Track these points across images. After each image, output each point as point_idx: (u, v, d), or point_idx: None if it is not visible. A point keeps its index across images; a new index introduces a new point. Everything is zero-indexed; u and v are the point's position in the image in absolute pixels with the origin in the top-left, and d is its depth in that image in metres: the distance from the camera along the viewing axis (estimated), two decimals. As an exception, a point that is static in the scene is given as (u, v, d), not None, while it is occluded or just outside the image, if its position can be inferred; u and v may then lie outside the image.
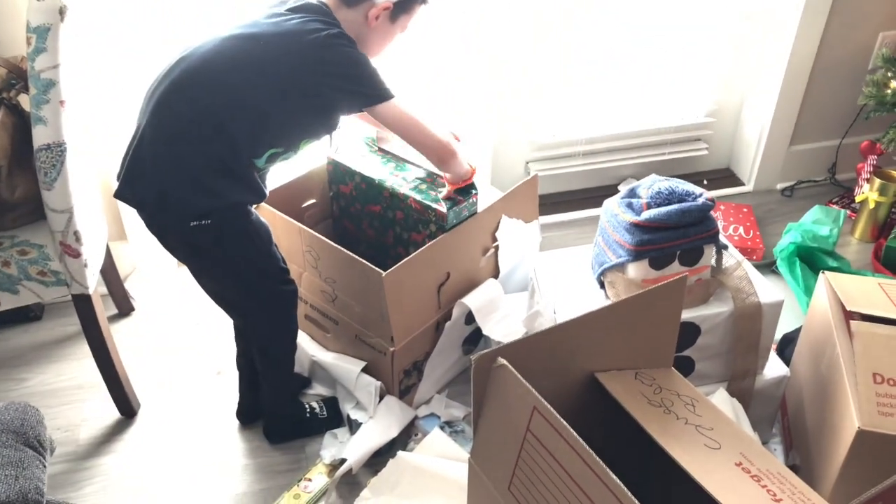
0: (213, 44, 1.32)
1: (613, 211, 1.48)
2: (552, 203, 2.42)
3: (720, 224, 2.25)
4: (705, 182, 2.53)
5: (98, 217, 1.67)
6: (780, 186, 2.52)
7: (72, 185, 1.41)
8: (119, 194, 1.33)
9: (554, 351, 1.16)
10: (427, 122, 1.44)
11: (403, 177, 1.70)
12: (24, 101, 1.46)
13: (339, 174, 1.81)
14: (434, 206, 1.60)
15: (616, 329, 1.20)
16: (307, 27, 1.34)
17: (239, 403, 1.71)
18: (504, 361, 1.05)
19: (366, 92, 1.37)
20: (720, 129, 2.51)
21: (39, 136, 1.35)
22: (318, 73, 1.33)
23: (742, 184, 2.55)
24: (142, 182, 1.31)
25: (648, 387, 1.22)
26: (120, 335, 1.94)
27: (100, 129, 1.84)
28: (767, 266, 2.11)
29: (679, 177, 2.47)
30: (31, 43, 1.26)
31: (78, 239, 1.47)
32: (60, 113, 1.34)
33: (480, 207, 1.68)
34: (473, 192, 1.62)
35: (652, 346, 1.26)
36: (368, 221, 1.79)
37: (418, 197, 1.63)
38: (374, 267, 1.50)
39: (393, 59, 1.87)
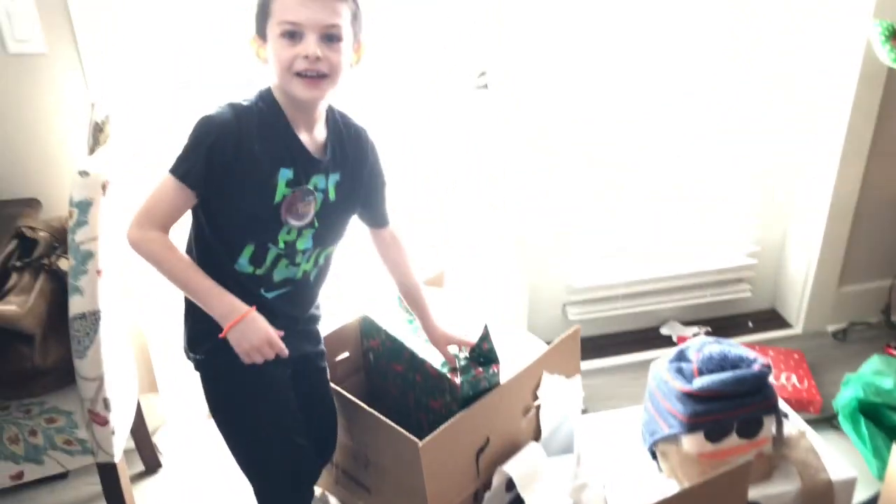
0: None
1: (663, 377, 1.40)
2: (593, 347, 2.34)
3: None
4: (751, 324, 2.44)
5: (129, 377, 1.64)
6: (831, 329, 2.42)
7: (104, 352, 1.39)
8: None
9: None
10: (150, 212, 1.22)
11: (427, 338, 1.65)
12: (65, 263, 1.47)
13: (368, 328, 1.77)
14: (448, 375, 1.53)
15: (675, 522, 1.11)
16: None
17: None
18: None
19: None
20: (763, 269, 2.44)
21: (75, 305, 1.34)
22: None
23: (790, 326, 2.45)
24: None
25: (713, 586, 1.11)
26: (145, 495, 1.86)
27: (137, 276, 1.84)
28: (827, 420, 1.98)
29: (723, 318, 2.46)
30: (73, 217, 1.28)
31: (107, 406, 1.43)
32: (97, 282, 1.34)
33: (520, 356, 1.60)
34: (494, 363, 1.53)
35: (714, 537, 1.16)
36: (392, 380, 1.73)
37: (434, 363, 1.57)
38: (409, 435, 1.42)
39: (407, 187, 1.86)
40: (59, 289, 1.48)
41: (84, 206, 1.27)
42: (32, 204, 1.68)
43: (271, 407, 1.34)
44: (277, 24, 1.19)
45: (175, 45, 1.72)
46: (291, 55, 1.18)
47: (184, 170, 1.20)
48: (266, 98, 1.25)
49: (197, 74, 1.74)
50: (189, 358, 1.34)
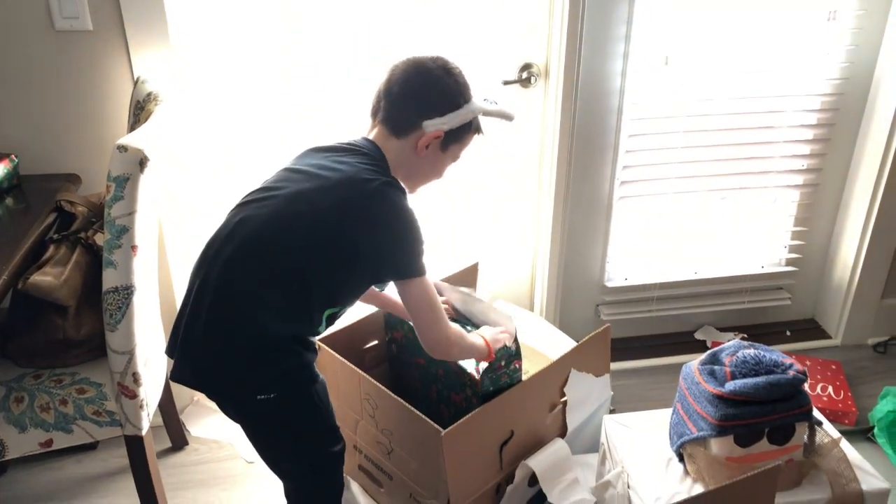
0: (272, 204, 1.27)
1: (694, 378, 1.37)
2: (623, 348, 2.31)
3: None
4: (788, 333, 2.39)
5: (160, 353, 1.66)
6: (871, 342, 2.35)
7: (136, 326, 1.41)
8: (175, 377, 1.28)
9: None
10: (441, 312, 1.36)
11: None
12: (101, 238, 1.49)
13: (391, 319, 1.76)
14: (469, 370, 1.52)
15: (699, 524, 1.08)
16: (362, 176, 1.29)
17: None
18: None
19: (401, 263, 1.30)
20: (803, 277, 2.38)
21: (109, 279, 1.35)
22: (364, 228, 1.27)
23: (829, 337, 2.39)
24: (198, 359, 1.27)
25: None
26: (170, 471, 1.88)
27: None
28: (862, 433, 1.93)
29: (760, 326, 2.40)
30: (110, 191, 1.29)
31: (136, 380, 1.45)
32: (132, 258, 1.35)
33: (550, 351, 1.59)
34: (516, 360, 1.52)
35: (739, 542, 1.13)
36: (416, 372, 1.72)
37: None
38: (433, 423, 1.42)
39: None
40: (95, 263, 1.51)
41: (121, 182, 1.29)
42: (72, 179, 1.70)
43: (328, 400, 1.38)
44: (461, 150, 1.42)
45: (222, 32, 1.73)
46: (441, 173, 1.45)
47: (423, 262, 1.33)
48: (398, 185, 1.35)
49: (242, 63, 1.75)
50: (256, 402, 1.29)
